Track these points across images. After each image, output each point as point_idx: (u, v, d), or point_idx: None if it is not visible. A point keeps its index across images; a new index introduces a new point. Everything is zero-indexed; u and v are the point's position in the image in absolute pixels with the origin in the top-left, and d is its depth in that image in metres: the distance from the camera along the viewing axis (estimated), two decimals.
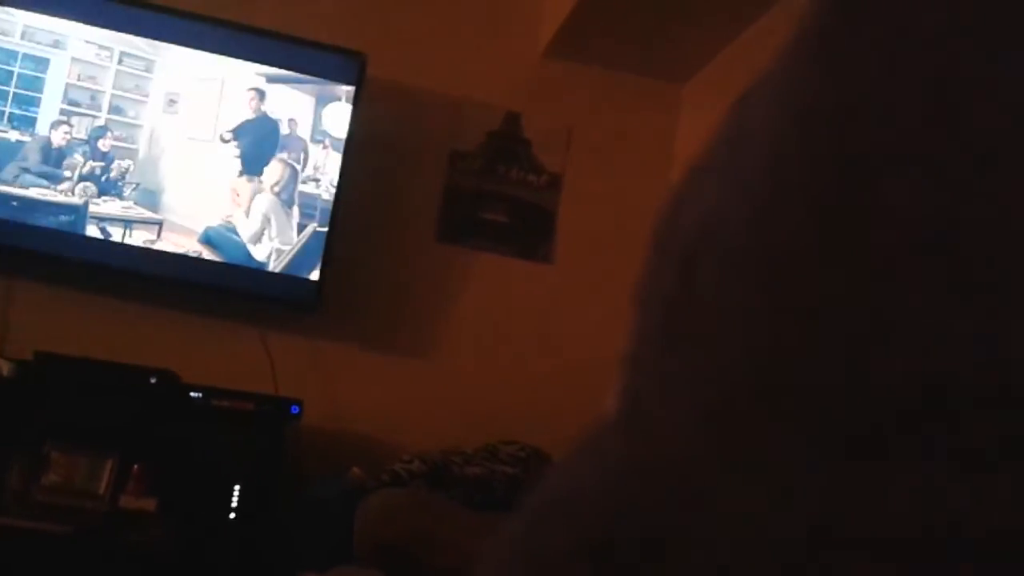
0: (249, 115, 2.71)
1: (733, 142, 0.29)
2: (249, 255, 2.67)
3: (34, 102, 2.60)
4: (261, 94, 2.71)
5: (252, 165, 2.70)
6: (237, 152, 2.69)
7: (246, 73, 2.70)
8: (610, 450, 0.28)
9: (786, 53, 0.28)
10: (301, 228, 2.70)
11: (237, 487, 2.33)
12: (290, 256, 2.68)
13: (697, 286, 0.27)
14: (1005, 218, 0.22)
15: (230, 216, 2.67)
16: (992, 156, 0.23)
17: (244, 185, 2.69)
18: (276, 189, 2.70)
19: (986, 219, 0.22)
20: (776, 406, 0.24)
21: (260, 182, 2.69)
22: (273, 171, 2.70)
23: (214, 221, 2.66)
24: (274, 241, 2.68)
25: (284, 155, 2.71)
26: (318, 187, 2.72)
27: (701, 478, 0.24)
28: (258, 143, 2.71)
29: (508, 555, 0.28)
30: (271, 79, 2.71)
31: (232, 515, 2.32)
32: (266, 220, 2.68)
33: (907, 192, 0.23)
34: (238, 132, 2.69)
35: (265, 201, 2.69)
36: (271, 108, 2.71)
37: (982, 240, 0.22)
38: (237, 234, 2.66)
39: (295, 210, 2.70)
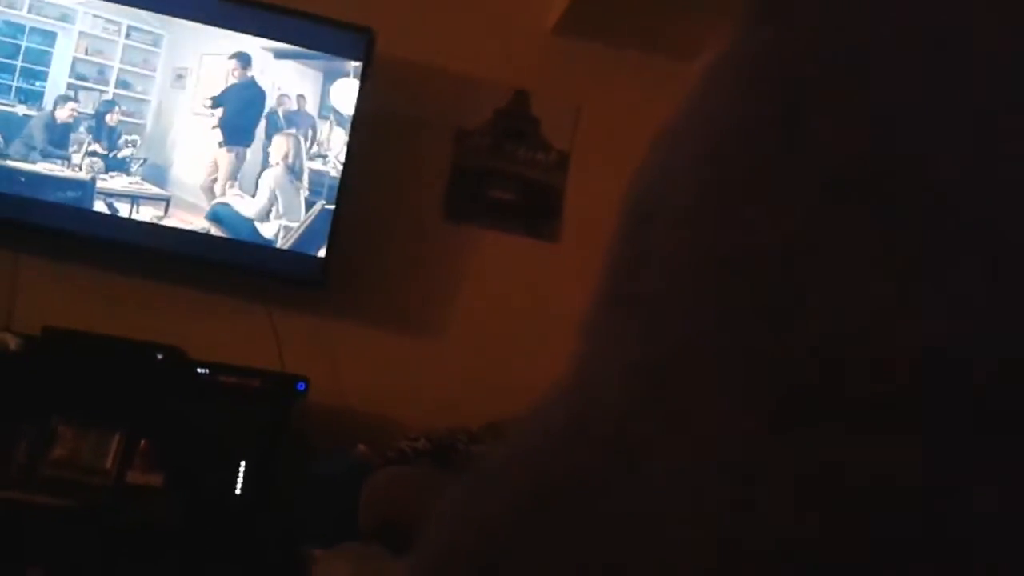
0: (233, 82, 2.69)
1: (688, 108, 0.29)
2: (256, 232, 2.66)
3: (41, 76, 2.59)
4: (245, 60, 2.68)
5: (234, 135, 2.68)
6: (217, 122, 2.67)
7: (254, 48, 2.69)
8: (554, 414, 0.28)
9: (738, 20, 0.28)
10: (309, 205, 2.69)
11: (243, 463, 2.34)
12: (298, 233, 2.68)
13: (647, 246, 0.28)
14: (925, 161, 0.22)
15: (223, 188, 2.66)
16: (918, 103, 0.23)
17: (224, 156, 2.67)
18: (289, 161, 2.69)
19: (910, 158, 0.22)
20: (707, 364, 0.24)
21: (267, 157, 2.69)
22: (279, 145, 2.70)
23: (220, 197, 2.66)
24: (282, 219, 2.68)
25: (291, 130, 2.70)
26: (325, 163, 2.71)
27: (634, 433, 0.25)
28: (242, 111, 2.69)
29: (451, 519, 0.29)
30: (279, 54, 2.70)
31: (238, 491, 2.33)
32: (274, 196, 2.68)
33: (839, 131, 0.23)
34: (220, 100, 2.68)
35: (273, 176, 2.68)
36: (258, 75, 2.69)
37: (906, 182, 0.22)
38: (238, 208, 2.66)
39: (304, 185, 2.70)
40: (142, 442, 2.28)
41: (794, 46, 0.26)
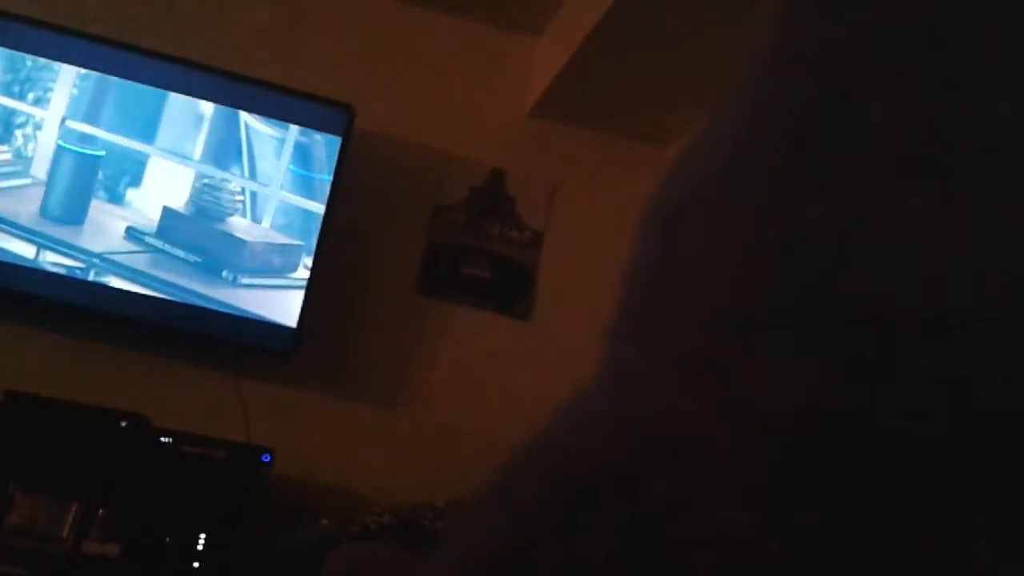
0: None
1: (717, 119, 0.29)
2: (228, 301, 2.66)
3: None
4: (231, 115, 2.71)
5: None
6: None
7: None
8: (589, 408, 0.28)
9: (774, 16, 0.28)
10: (285, 275, 2.69)
11: (203, 535, 2.29)
12: (271, 303, 2.67)
13: (682, 242, 0.27)
14: (988, 135, 0.22)
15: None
16: (973, 75, 0.23)
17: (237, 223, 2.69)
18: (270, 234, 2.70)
19: (970, 134, 0.22)
20: (760, 343, 0.24)
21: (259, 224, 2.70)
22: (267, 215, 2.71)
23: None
24: (258, 288, 2.68)
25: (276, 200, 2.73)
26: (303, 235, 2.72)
27: (676, 421, 0.24)
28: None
29: (484, 507, 0.28)
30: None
31: (196, 564, 2.28)
32: (258, 262, 2.68)
33: (892, 112, 0.23)
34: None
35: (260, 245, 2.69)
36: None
37: (966, 153, 0.22)
38: (219, 275, 2.66)
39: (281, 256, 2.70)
40: (100, 511, 2.24)
41: (840, 32, 0.25)
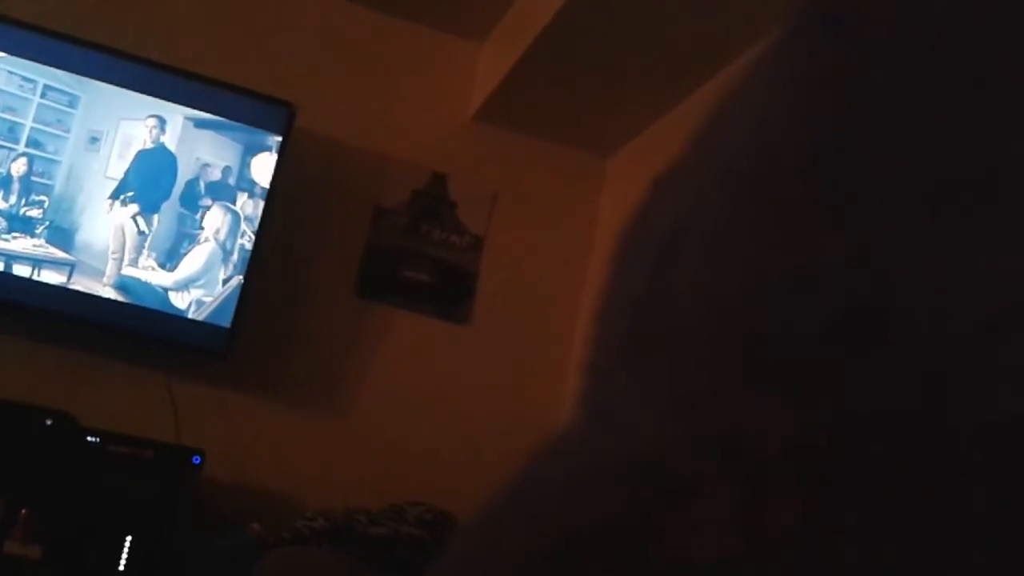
0: (147, 145, 2.65)
1: (707, 143, 0.28)
2: (168, 302, 2.60)
3: None
4: (160, 126, 2.66)
5: (146, 203, 2.63)
6: (128, 188, 2.62)
7: (174, 116, 2.67)
8: (574, 452, 0.26)
9: (766, 51, 0.27)
10: (227, 280, 2.64)
11: (129, 538, 2.25)
12: (212, 307, 2.62)
13: (673, 280, 0.26)
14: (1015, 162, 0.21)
15: (131, 256, 2.61)
16: (1004, 98, 0.22)
17: (132, 224, 2.61)
18: (220, 238, 2.65)
19: (1000, 163, 0.21)
20: (756, 391, 0.22)
21: (191, 228, 2.65)
22: (214, 218, 2.66)
23: (128, 266, 2.59)
24: (200, 291, 2.62)
25: (225, 202, 2.67)
26: (243, 237, 2.68)
27: (677, 466, 0.23)
28: (155, 178, 2.64)
29: (463, 560, 0.26)
30: (199, 123, 2.68)
31: (122, 567, 2.23)
32: (201, 271, 2.62)
33: (915, 139, 0.22)
34: (132, 165, 2.63)
35: (207, 251, 2.64)
36: (177, 144, 2.66)
37: (995, 181, 0.21)
38: (148, 278, 2.60)
39: (231, 261, 2.65)
40: (23, 511, 2.18)
41: (857, 55, 0.24)
